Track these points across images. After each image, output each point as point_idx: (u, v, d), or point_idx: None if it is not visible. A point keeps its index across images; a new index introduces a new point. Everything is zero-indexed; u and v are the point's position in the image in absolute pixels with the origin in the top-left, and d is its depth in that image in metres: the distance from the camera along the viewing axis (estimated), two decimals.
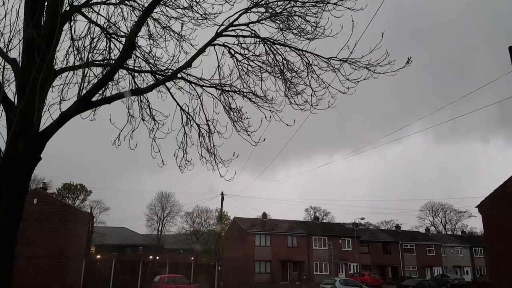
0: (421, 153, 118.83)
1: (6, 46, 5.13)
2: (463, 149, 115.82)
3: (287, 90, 7.18)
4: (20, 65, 5.29)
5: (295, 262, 48.18)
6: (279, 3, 6.56)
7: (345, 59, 6.57)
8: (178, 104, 7.45)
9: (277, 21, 6.80)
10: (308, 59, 6.94)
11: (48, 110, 5.36)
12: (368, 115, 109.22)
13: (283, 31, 6.86)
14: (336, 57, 6.66)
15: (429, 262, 56.07)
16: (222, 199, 44.14)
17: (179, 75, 6.89)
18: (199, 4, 7.06)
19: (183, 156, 7.43)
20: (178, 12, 7.29)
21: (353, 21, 6.08)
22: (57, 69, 5.87)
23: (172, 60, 7.41)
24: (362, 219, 54.26)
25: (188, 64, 6.41)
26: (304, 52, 6.91)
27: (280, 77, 7.18)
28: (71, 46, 6.73)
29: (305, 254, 49.01)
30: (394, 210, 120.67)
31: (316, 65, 6.91)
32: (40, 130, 5.03)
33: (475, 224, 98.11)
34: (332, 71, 6.77)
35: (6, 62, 5.34)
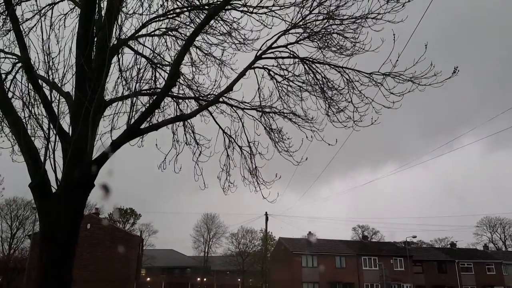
0: (474, 164, 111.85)
1: (61, 81, 5.51)
2: None
3: (328, 108, 7.09)
4: (73, 98, 5.62)
5: (344, 283, 46.38)
6: (317, 22, 6.56)
7: (388, 73, 6.39)
8: (220, 127, 7.59)
9: (315, 40, 6.79)
10: (349, 76, 6.84)
11: (100, 139, 5.66)
12: (415, 125, 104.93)
13: (322, 50, 6.82)
14: (378, 72, 6.50)
15: (490, 281, 51.76)
16: (267, 219, 43.91)
17: (221, 99, 7.03)
18: (238, 31, 7.24)
19: (226, 178, 7.51)
20: (218, 39, 7.52)
21: (394, 34, 5.93)
22: (107, 100, 6.19)
23: (214, 85, 7.63)
24: (414, 237, 51.03)
25: (229, 88, 6.53)
26: (344, 69, 6.82)
27: (321, 95, 7.12)
28: (120, 77, 7.12)
29: (355, 275, 47.08)
30: (448, 226, 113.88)
31: (357, 81, 6.78)
32: (93, 159, 5.27)
33: None
34: (374, 86, 6.61)
35: (60, 96, 5.72)
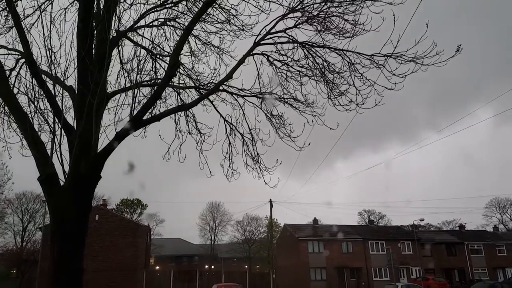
0: (483, 143, 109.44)
1: (63, 75, 5.56)
2: None
3: (330, 91, 7.07)
4: (76, 91, 5.68)
5: (352, 268, 46.67)
6: (315, 5, 6.50)
7: (389, 54, 6.32)
8: (221, 115, 7.64)
9: (314, 24, 6.73)
10: (349, 58, 6.77)
11: (105, 131, 5.73)
12: (421, 103, 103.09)
13: (321, 33, 6.76)
14: (379, 53, 6.41)
15: (501, 263, 51.52)
16: (271, 206, 44.17)
17: (221, 88, 7.05)
18: (236, 17, 7.23)
19: (229, 166, 7.59)
20: (216, 27, 7.51)
21: (394, 15, 5.86)
22: (110, 92, 6.25)
23: (213, 73, 7.66)
24: (422, 220, 50.47)
25: (229, 76, 6.55)
26: (345, 52, 6.75)
27: (321, 79, 7.10)
28: (121, 69, 7.16)
29: (362, 259, 47.33)
30: (456, 209, 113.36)
31: (359, 63, 6.72)
32: (98, 151, 5.35)
33: None
34: (376, 68, 6.56)
35: (64, 90, 5.78)
